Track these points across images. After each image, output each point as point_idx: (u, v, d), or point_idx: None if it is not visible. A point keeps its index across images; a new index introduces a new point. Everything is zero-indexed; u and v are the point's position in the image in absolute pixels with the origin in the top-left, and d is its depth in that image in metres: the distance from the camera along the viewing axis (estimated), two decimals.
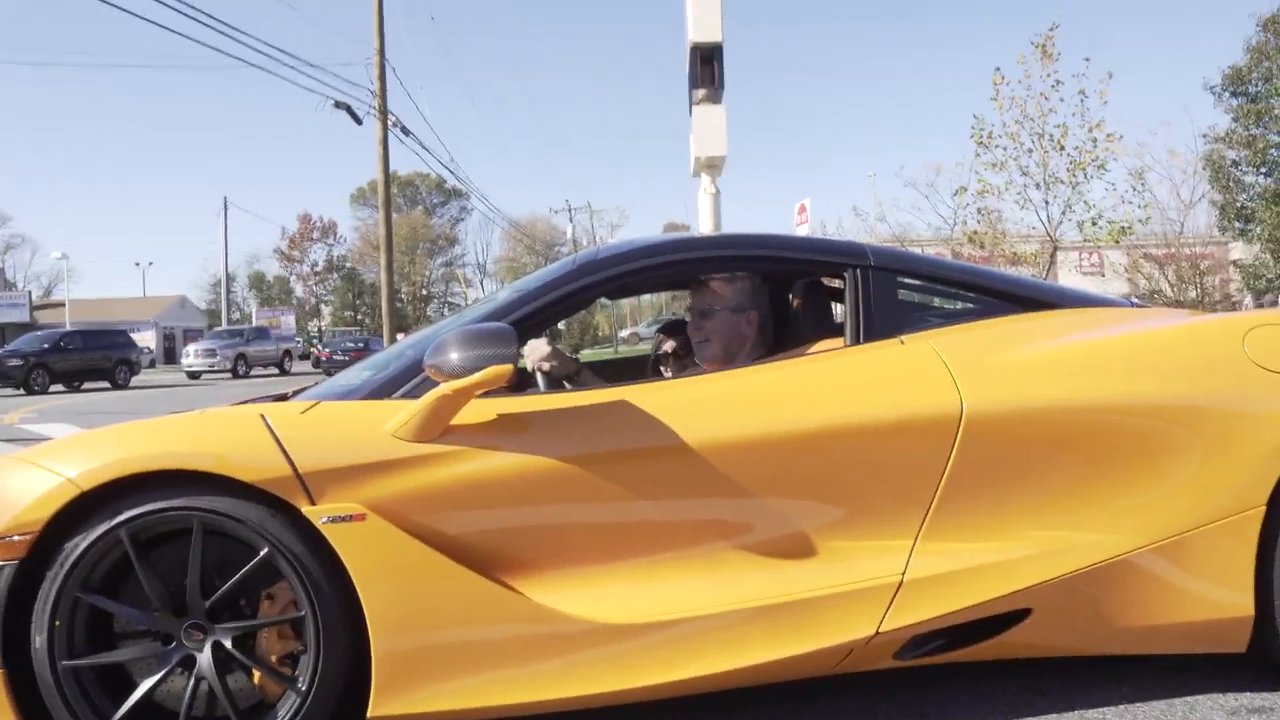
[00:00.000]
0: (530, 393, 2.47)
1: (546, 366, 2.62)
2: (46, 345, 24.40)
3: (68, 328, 31.50)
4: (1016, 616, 2.36)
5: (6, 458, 2.32)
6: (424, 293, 69.45)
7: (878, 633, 2.27)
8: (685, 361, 3.17)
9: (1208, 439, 2.41)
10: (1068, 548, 2.37)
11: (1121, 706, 2.40)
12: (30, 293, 54.09)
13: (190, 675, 2.16)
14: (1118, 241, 15.38)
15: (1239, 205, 22.51)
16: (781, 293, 2.99)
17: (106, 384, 25.20)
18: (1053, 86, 14.71)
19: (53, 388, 23.70)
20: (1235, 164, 22.74)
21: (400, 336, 22.51)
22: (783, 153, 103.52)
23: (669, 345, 3.25)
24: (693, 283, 2.92)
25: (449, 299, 69.67)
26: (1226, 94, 22.93)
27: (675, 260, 2.76)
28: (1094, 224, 15.08)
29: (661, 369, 3.26)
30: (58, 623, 2.09)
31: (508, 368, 2.16)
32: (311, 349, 40.53)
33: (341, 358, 27.26)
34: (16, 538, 2.09)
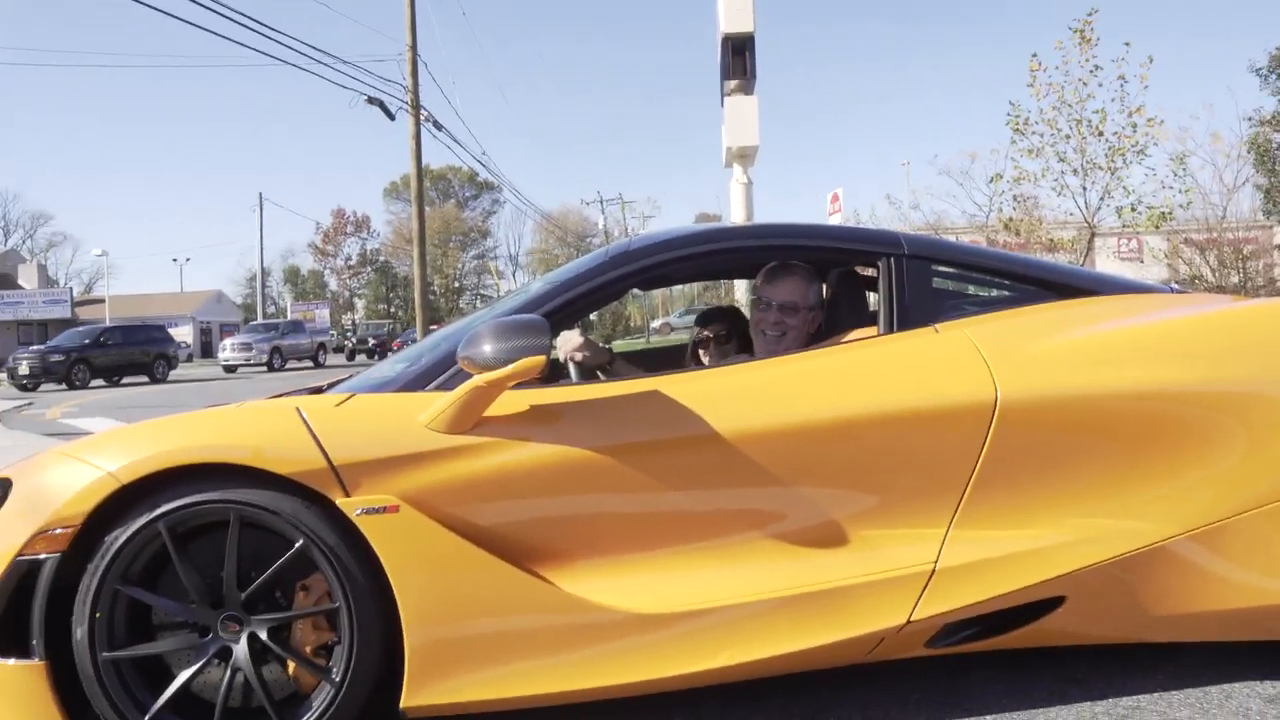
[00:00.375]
0: (563, 384, 2.47)
1: (579, 357, 2.61)
2: (87, 341, 24.84)
3: (108, 323, 31.99)
4: (1050, 604, 2.33)
5: (49, 452, 2.36)
6: (456, 285, 69.83)
7: (910, 621, 2.26)
8: (726, 349, 3.15)
9: (1251, 425, 2.36)
10: (1104, 535, 2.33)
11: (1156, 694, 2.37)
12: (71, 289, 55.02)
13: (226, 666, 2.19)
14: (1158, 227, 15.14)
15: None
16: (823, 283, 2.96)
17: (145, 378, 25.63)
18: (1091, 72, 14.48)
19: (93, 382, 24.14)
20: None
21: (434, 329, 22.65)
22: (815, 142, 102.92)
23: (708, 331, 3.23)
24: (773, 276, 2.85)
25: (481, 291, 70.02)
26: (1273, 76, 22.44)
27: (708, 251, 2.74)
28: (1133, 210, 14.84)
29: (701, 355, 3.24)
30: (98, 615, 2.12)
31: (541, 359, 2.16)
32: (345, 342, 40.89)
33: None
34: (58, 531, 2.12)
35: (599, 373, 2.70)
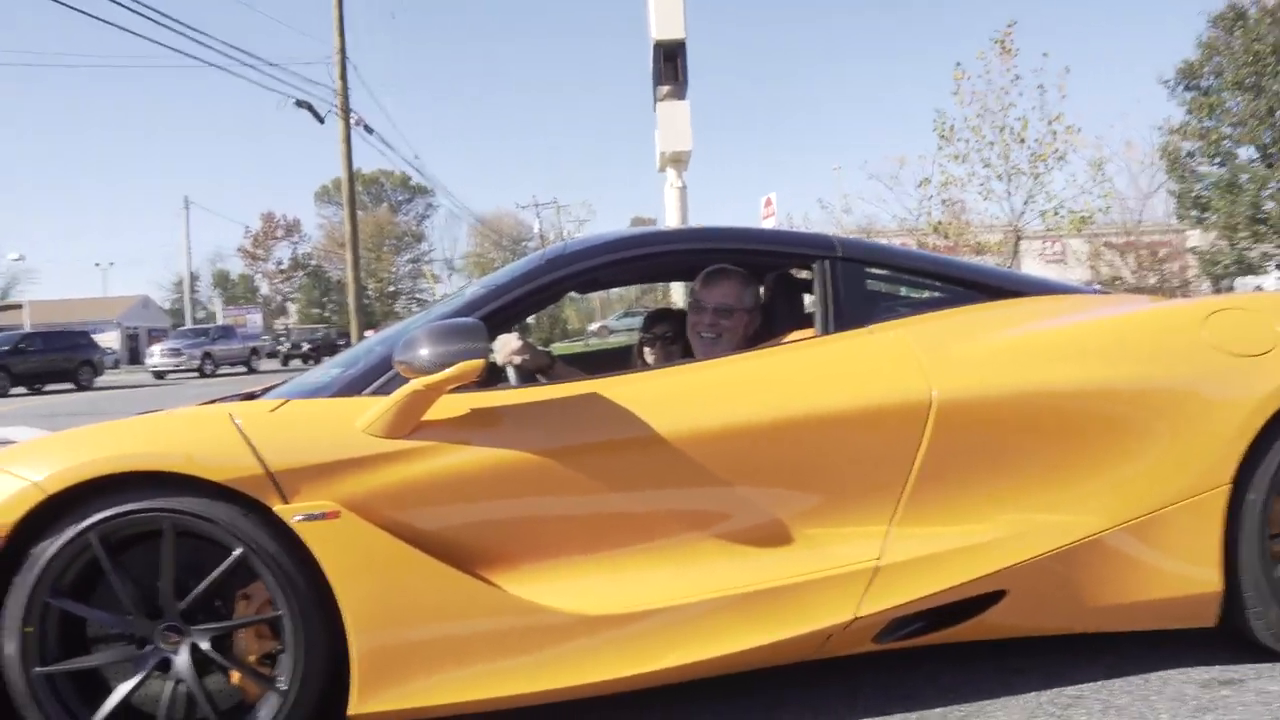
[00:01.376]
0: (502, 387, 2.47)
1: (518, 360, 2.61)
2: (6, 347, 23.92)
3: (28, 329, 30.93)
4: (993, 598, 2.39)
5: None
6: (391, 289, 68.89)
7: (856, 617, 2.30)
8: (671, 350, 3.16)
9: (1173, 421, 2.45)
10: (1040, 529, 2.40)
11: (1099, 683, 2.44)
12: None
13: (168, 678, 2.14)
14: (1079, 230, 15.66)
15: (1195, 194, 22.90)
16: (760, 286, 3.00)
17: (70, 385, 24.79)
18: (1012, 81, 14.91)
19: (14, 390, 23.28)
20: (1190, 155, 23.16)
21: (369, 333, 22.36)
22: (749, 147, 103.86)
23: (654, 332, 3.24)
24: (709, 279, 2.87)
25: (417, 295, 69.17)
26: (1180, 87, 23.33)
27: (645, 254, 2.76)
28: (1055, 214, 15.32)
29: (646, 356, 3.25)
30: (29, 629, 2.06)
31: (479, 362, 2.16)
32: (279, 347, 40.09)
33: None
34: None
35: (539, 376, 2.71)
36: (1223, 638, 2.56)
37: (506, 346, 2.61)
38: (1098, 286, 3.06)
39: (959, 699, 2.40)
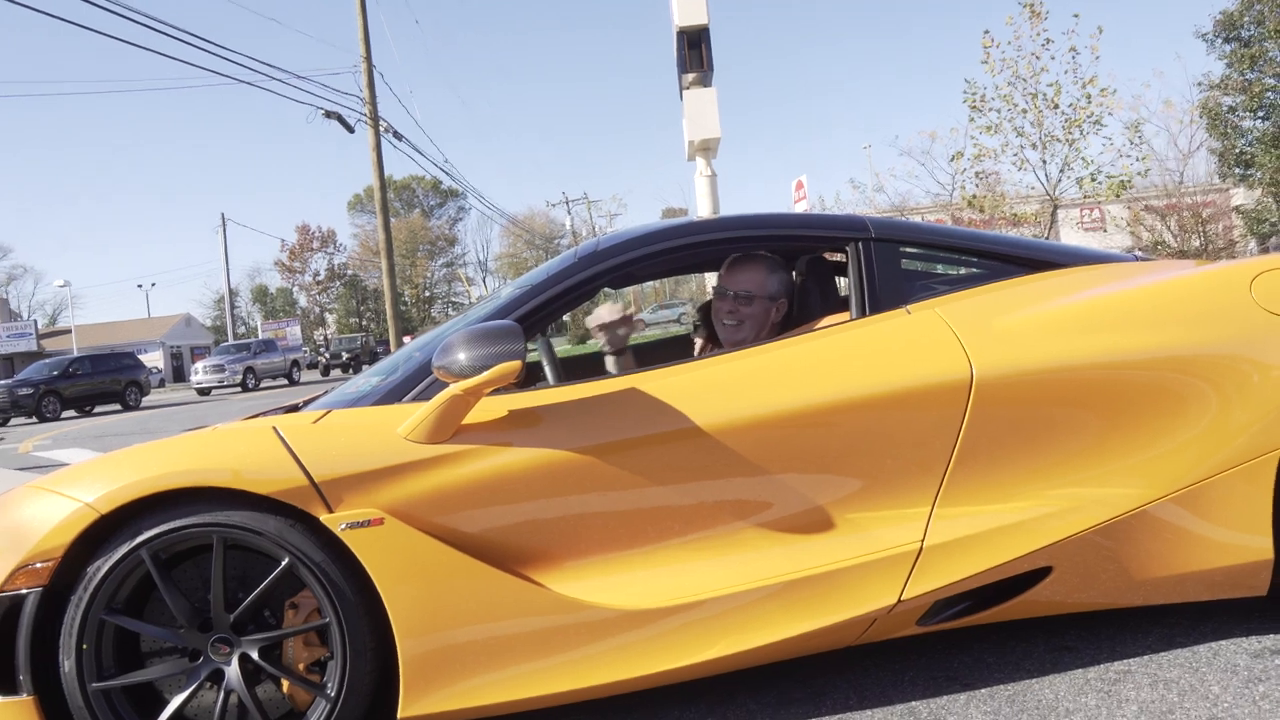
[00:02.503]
0: (539, 387, 2.47)
1: (617, 329, 2.67)
2: (55, 372, 24.52)
3: (75, 353, 31.64)
4: (1038, 575, 2.36)
5: (24, 486, 2.33)
6: (427, 294, 69.52)
7: (900, 601, 2.28)
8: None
9: (1220, 387, 2.40)
10: (1085, 503, 2.36)
11: (1147, 657, 2.40)
12: (36, 321, 54.32)
13: (220, 689, 2.17)
14: (1118, 196, 15.36)
15: (1238, 151, 22.37)
16: (789, 273, 2.98)
17: (118, 406, 25.34)
18: (1043, 45, 14.66)
19: (64, 413, 23.85)
20: (1232, 110, 22.59)
21: (406, 339, 22.58)
22: (777, 130, 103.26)
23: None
24: (732, 266, 2.88)
25: (452, 299, 69.76)
26: (1219, 40, 22.76)
27: (677, 246, 2.75)
28: (1093, 180, 15.05)
29: (707, 346, 3.27)
30: (85, 646, 2.10)
31: (516, 364, 2.16)
32: (319, 358, 40.61)
33: None
34: (39, 565, 2.10)
35: (609, 358, 2.71)
36: (1274, 607, 2.50)
37: (606, 313, 2.65)
38: (1139, 253, 2.99)
39: (1006, 678, 2.37)
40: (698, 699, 2.41)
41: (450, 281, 70.69)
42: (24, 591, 2.10)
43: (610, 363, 3.04)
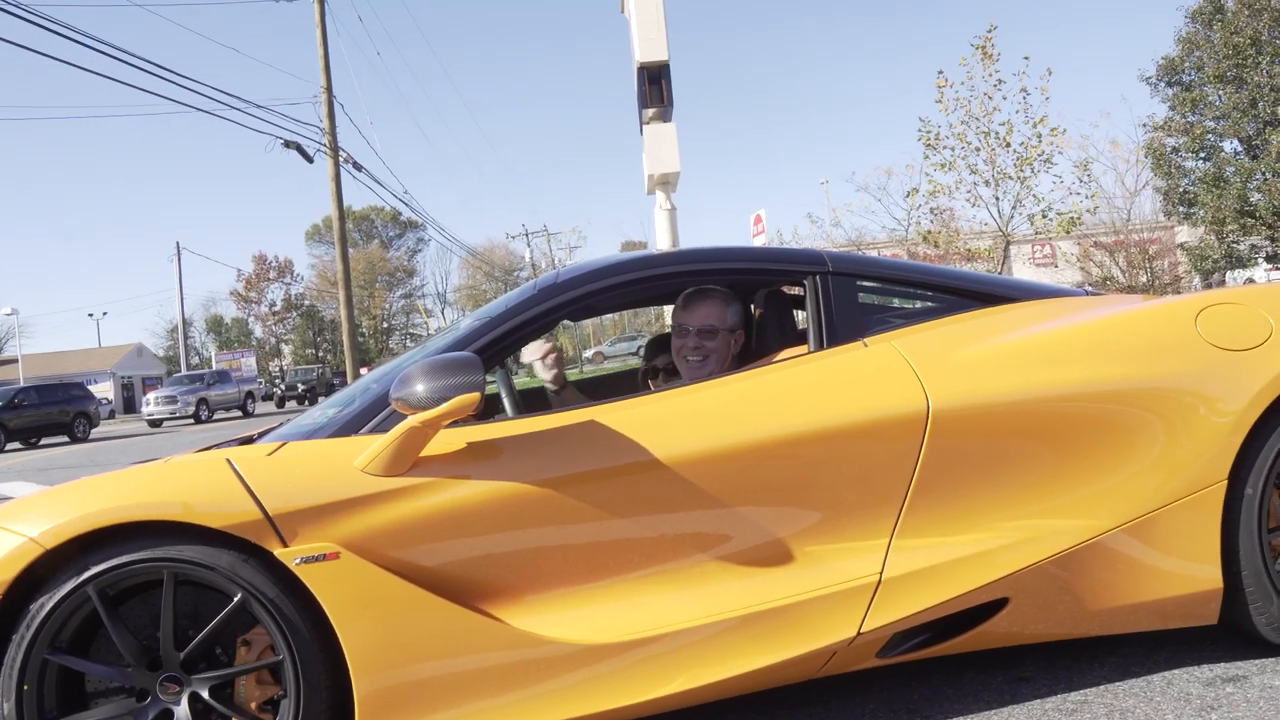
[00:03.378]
0: (499, 419, 2.46)
1: (549, 364, 2.64)
2: (0, 403, 23.90)
3: (21, 383, 30.90)
4: (995, 606, 2.38)
5: None
6: (385, 325, 69.03)
7: (859, 633, 2.28)
8: (675, 378, 3.17)
9: (1169, 419, 2.45)
10: (1040, 535, 2.39)
11: (1103, 686, 2.43)
12: None
13: None
14: (1068, 232, 15.70)
15: (1181, 190, 23.00)
16: (744, 304, 3.01)
17: (65, 438, 24.75)
18: (995, 85, 15.02)
19: (9, 445, 23.22)
20: (1175, 150, 23.25)
21: (364, 371, 22.35)
22: (736, 164, 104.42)
23: (658, 362, 3.24)
24: (689, 302, 2.89)
25: (411, 330, 69.29)
26: (1162, 84, 23.46)
27: (636, 278, 2.76)
28: (1044, 216, 15.39)
29: (650, 385, 3.26)
30: (26, 686, 2.04)
31: (475, 396, 2.15)
32: (275, 389, 40.08)
33: None
34: None
35: (548, 391, 2.70)
36: (1225, 635, 2.55)
37: (535, 350, 2.62)
38: (1089, 288, 3.06)
39: (965, 709, 2.38)
40: None
41: (409, 313, 70.28)
42: None
43: (552, 399, 3.02)
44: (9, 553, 2.06)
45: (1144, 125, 23.23)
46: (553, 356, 2.69)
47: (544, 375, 2.64)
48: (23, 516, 2.13)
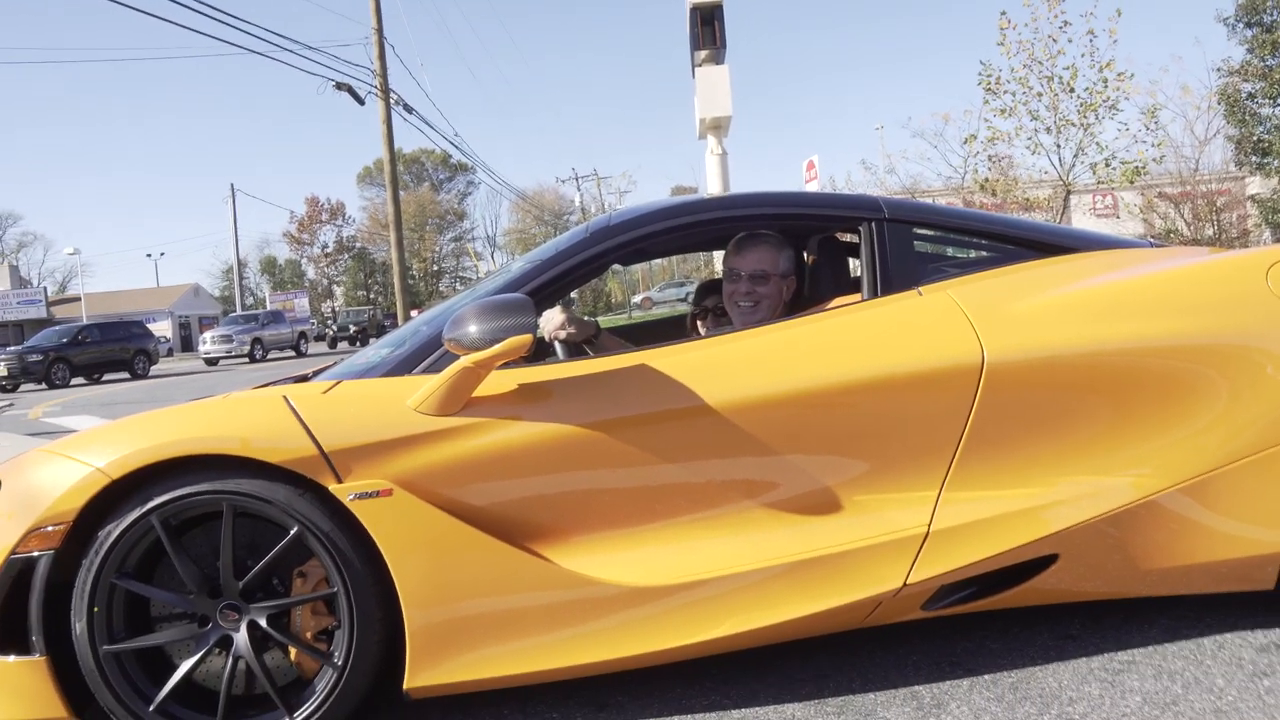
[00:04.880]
0: (550, 361, 2.47)
1: (563, 335, 2.61)
2: (65, 339, 24.62)
3: (85, 321, 31.74)
4: (1044, 563, 2.36)
5: (36, 450, 2.34)
6: (435, 268, 69.44)
7: (905, 584, 2.28)
8: (723, 321, 3.15)
9: (1233, 377, 2.39)
10: (1094, 492, 2.36)
11: (1150, 648, 2.41)
12: (45, 289, 54.50)
13: (228, 655, 2.19)
14: (1132, 182, 15.23)
15: (1255, 139, 22.10)
16: (796, 250, 2.97)
17: (126, 374, 25.44)
18: (1060, 28, 14.50)
19: (73, 381, 23.94)
20: (1251, 96, 22.29)
21: (414, 313, 22.58)
22: (789, 110, 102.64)
23: (707, 303, 3.23)
24: (741, 246, 2.85)
25: (460, 273, 69.67)
26: (1240, 25, 22.42)
27: (689, 223, 2.73)
28: (1107, 165, 14.93)
29: (699, 327, 3.25)
30: (96, 609, 2.12)
31: (527, 337, 2.16)
32: (327, 330, 40.69)
33: None
34: (51, 528, 2.12)
35: (586, 348, 2.70)
36: None
37: (551, 321, 2.62)
38: (1152, 240, 2.97)
39: (1009, 665, 2.38)
40: (701, 678, 2.43)
41: (458, 256, 70.60)
42: (36, 554, 2.12)
43: (592, 350, 2.99)
44: (78, 482, 2.13)
45: (1218, 69, 22.28)
46: (568, 318, 2.65)
47: (574, 339, 2.62)
48: (90, 448, 2.20)
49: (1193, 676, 2.23)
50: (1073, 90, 14.64)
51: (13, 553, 2.12)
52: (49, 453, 2.26)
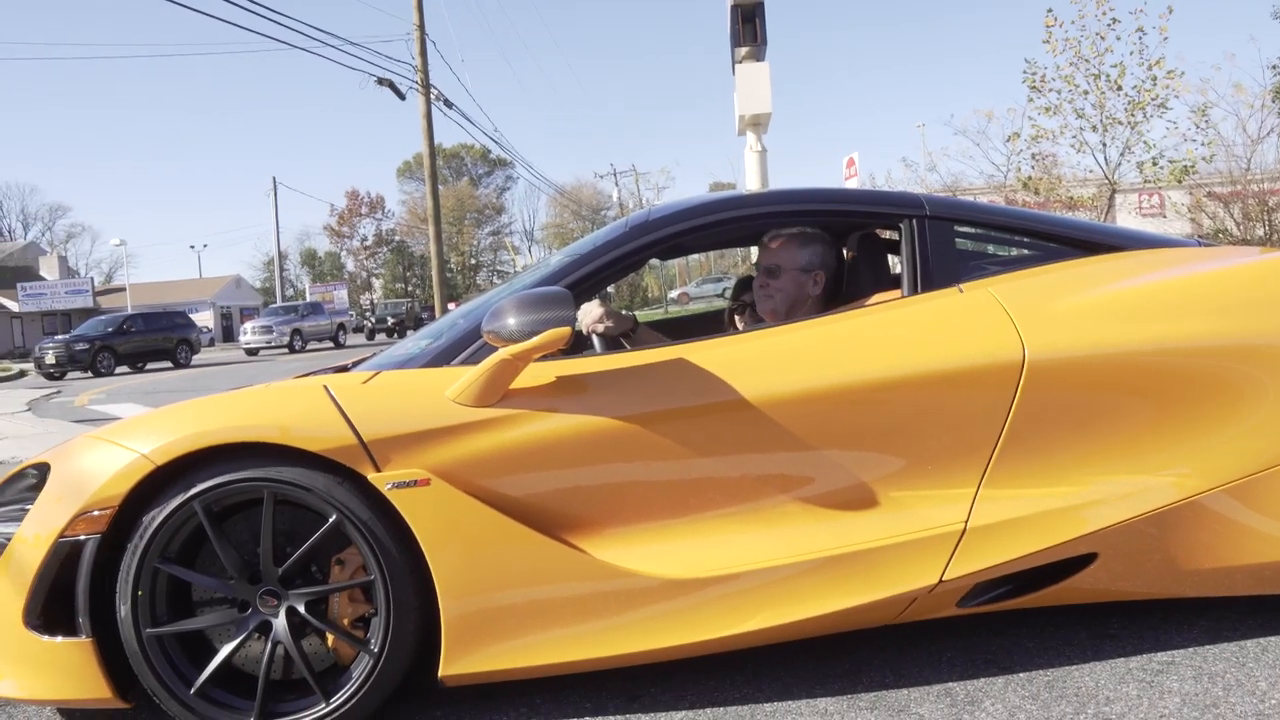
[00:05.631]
0: (588, 354, 2.48)
1: (601, 328, 2.62)
2: (110, 329, 25.11)
3: (129, 311, 32.31)
4: (1082, 561, 2.33)
5: (83, 436, 2.39)
6: (473, 262, 69.86)
7: (941, 581, 2.26)
8: (760, 316, 3.16)
9: None
10: (1135, 491, 2.33)
11: (1191, 649, 2.37)
12: (93, 279, 55.44)
13: (267, 640, 2.22)
14: (1180, 181, 14.94)
15: None
16: (837, 246, 2.95)
17: (169, 364, 25.88)
18: (1109, 25, 14.26)
19: (118, 369, 24.40)
20: None
21: (451, 306, 22.74)
22: (829, 108, 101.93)
23: (746, 298, 3.24)
24: (765, 241, 2.88)
25: (498, 267, 70.05)
26: None
27: (727, 218, 2.73)
28: (1155, 164, 14.66)
29: (737, 322, 3.26)
30: (140, 592, 2.16)
31: (566, 330, 2.17)
32: (365, 322, 41.11)
33: None
34: (97, 512, 2.16)
35: (623, 342, 2.71)
36: None
37: (589, 315, 2.63)
38: (1199, 239, 2.92)
39: (1045, 663, 2.35)
40: (735, 671, 2.43)
41: (496, 250, 71.00)
42: (83, 537, 2.16)
43: (629, 344, 3.00)
44: (123, 468, 2.17)
45: (1274, 67, 21.80)
46: (606, 311, 2.66)
47: (612, 333, 2.63)
48: (135, 435, 2.24)
49: (1234, 679, 2.19)
50: (1120, 88, 14.40)
51: (61, 536, 2.17)
52: (96, 439, 2.31)
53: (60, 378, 23.45)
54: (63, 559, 2.17)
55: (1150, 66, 14.10)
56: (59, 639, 2.17)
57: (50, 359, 23.60)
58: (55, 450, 2.44)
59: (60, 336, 27.01)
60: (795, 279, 2.81)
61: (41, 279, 52.89)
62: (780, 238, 2.85)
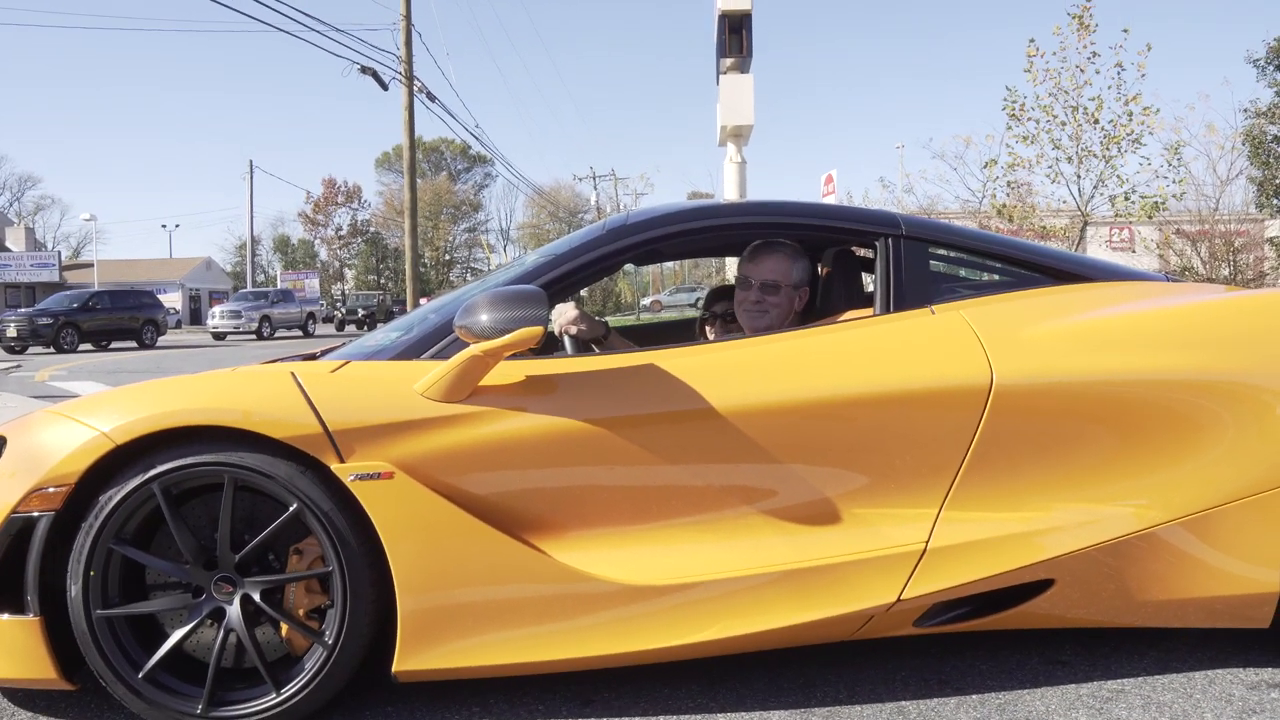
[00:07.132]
0: (559, 355, 2.48)
1: (574, 330, 2.62)
2: (75, 305, 24.70)
3: (96, 288, 31.85)
4: (1039, 587, 2.36)
5: (41, 411, 2.35)
6: (447, 257, 69.51)
7: (900, 599, 2.28)
8: (732, 327, 3.15)
9: (1241, 415, 2.38)
10: (1093, 520, 2.36)
11: (1141, 678, 2.40)
12: (60, 253, 54.71)
13: (220, 627, 2.20)
14: (1150, 217, 15.18)
15: (1278, 182, 22.01)
16: (811, 261, 2.97)
17: (134, 344, 25.51)
18: (1089, 59, 14.48)
19: (81, 346, 24.01)
20: (1277, 139, 22.20)
21: (423, 301, 22.61)
22: (810, 124, 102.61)
23: (716, 309, 3.23)
24: (755, 254, 2.86)
25: (472, 264, 69.76)
26: (1270, 67, 22.33)
27: (706, 226, 2.74)
28: (1127, 199, 14.90)
29: (707, 332, 3.25)
30: (92, 573, 2.13)
31: (538, 330, 2.17)
32: (335, 312, 40.78)
33: None
34: (52, 489, 2.13)
35: (594, 346, 2.71)
36: (1275, 640, 2.49)
37: (563, 315, 2.62)
38: (1167, 275, 2.97)
39: (998, 686, 2.37)
40: (688, 680, 2.43)
41: (471, 247, 70.71)
42: (36, 514, 2.12)
43: (599, 349, 3.00)
44: (82, 445, 2.14)
45: (1245, 110, 22.16)
46: (580, 314, 2.67)
47: (584, 336, 2.63)
48: (96, 412, 2.21)
49: (1181, 710, 2.22)
50: (1097, 122, 14.62)
51: (13, 511, 2.13)
52: (55, 414, 2.27)
53: (21, 352, 23.04)
54: (14, 535, 2.13)
55: (1127, 102, 14.34)
56: (4, 617, 2.14)
57: (12, 332, 23.17)
58: (12, 424, 2.40)
59: (23, 310, 26.56)
60: (789, 296, 2.82)
61: (7, 250, 52.04)
62: (773, 253, 2.83)
